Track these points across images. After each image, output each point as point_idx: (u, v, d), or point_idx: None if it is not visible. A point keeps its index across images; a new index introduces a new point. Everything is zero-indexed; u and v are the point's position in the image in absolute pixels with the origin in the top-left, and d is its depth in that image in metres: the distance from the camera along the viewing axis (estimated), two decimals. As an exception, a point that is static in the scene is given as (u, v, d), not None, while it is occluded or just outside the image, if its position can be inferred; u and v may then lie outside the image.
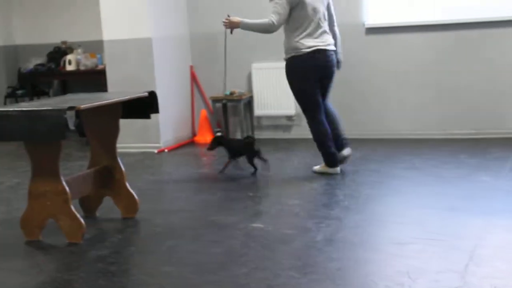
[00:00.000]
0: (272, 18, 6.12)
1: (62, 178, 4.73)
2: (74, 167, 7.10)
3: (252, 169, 6.58)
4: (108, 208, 5.43)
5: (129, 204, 5.32)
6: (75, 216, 4.73)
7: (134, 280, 4.09)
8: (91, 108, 4.82)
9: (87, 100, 5.00)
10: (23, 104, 5.17)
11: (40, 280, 4.14)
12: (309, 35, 6.25)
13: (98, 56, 9.78)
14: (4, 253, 4.77)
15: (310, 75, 6.31)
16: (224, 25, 6.33)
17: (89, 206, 5.38)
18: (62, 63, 10.03)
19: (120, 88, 7.92)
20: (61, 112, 4.48)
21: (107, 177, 5.29)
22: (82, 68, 9.84)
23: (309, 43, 6.24)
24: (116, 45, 8.09)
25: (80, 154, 7.91)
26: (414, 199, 5.46)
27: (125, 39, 8.05)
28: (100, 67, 9.66)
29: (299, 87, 6.38)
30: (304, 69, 6.28)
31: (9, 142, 6.48)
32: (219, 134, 7.08)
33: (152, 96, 5.39)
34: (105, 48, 8.31)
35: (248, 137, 6.91)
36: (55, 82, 10.60)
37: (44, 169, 4.72)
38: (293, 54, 6.27)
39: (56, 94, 10.41)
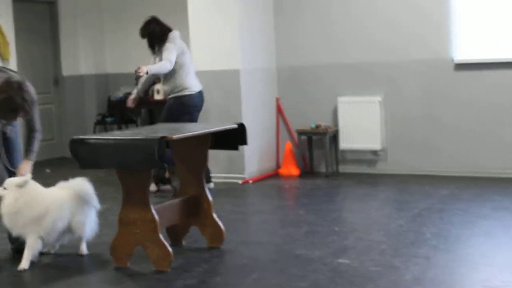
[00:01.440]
0: (170, 60, 7.14)
1: (152, 207, 4.81)
2: (159, 195, 7.21)
3: None
4: (194, 237, 5.49)
5: (215, 234, 5.35)
6: (163, 244, 4.79)
7: (220, 311, 4.10)
8: (181, 138, 4.90)
9: (177, 130, 5.10)
10: (116, 132, 5.30)
11: (129, 306, 4.21)
12: (194, 77, 7.43)
13: (186, 86, 9.95)
14: (94, 278, 4.88)
15: (197, 109, 7.42)
16: (137, 73, 7.03)
17: (176, 234, 5.44)
18: (150, 92, 10.25)
19: (207, 118, 8.03)
20: (154, 141, 4.57)
21: (194, 207, 5.35)
22: (169, 97, 10.02)
23: (197, 83, 7.43)
24: (204, 76, 8.20)
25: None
26: (505, 241, 5.30)
27: (214, 70, 8.18)
28: (187, 97, 9.82)
29: (180, 120, 7.21)
30: (195, 105, 7.36)
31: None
32: None
33: (241, 128, 5.43)
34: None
35: None
36: (143, 111, 10.83)
37: (134, 197, 4.81)
38: (187, 92, 7.30)
39: (144, 123, 10.65)
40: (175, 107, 7.35)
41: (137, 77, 7.33)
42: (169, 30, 7.34)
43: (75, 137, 4.91)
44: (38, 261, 5.12)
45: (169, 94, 7.41)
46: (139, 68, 7.00)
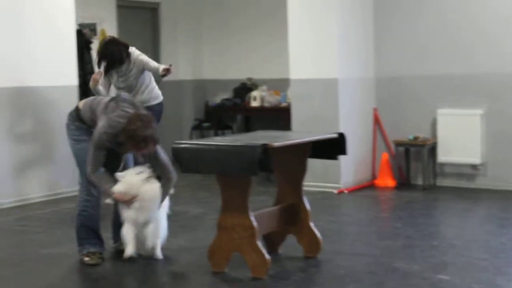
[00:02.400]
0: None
1: (251, 213, 4.83)
2: (255, 202, 7.20)
3: None
4: (290, 245, 5.47)
5: (312, 244, 5.33)
6: (261, 251, 4.80)
7: (318, 322, 4.07)
8: (281, 146, 4.90)
9: (278, 138, 5.10)
10: (216, 138, 5.36)
11: (226, 312, 4.23)
12: None
13: (282, 94, 9.99)
14: (191, 283, 4.93)
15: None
16: (170, 72, 6.97)
17: (272, 242, 5.44)
18: (247, 99, 10.35)
19: (303, 126, 8.03)
20: (255, 148, 4.60)
21: (292, 215, 5.35)
22: (266, 105, 10.10)
23: None
24: (302, 84, 8.22)
25: (261, 189, 8.04)
26: None
27: (312, 79, 8.17)
28: (283, 104, 9.86)
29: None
30: (163, 112, 7.54)
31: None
32: None
33: (341, 137, 5.40)
34: (291, 87, 8.48)
35: None
36: (239, 117, 10.93)
37: (234, 203, 4.84)
38: (160, 99, 7.36)
39: (240, 129, 10.74)
40: (156, 114, 7.23)
41: (164, 76, 7.11)
42: (127, 46, 7.17)
43: (177, 141, 4.99)
44: (135, 264, 5.22)
45: (146, 102, 7.21)
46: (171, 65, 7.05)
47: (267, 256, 4.81)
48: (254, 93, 10.22)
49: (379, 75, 8.64)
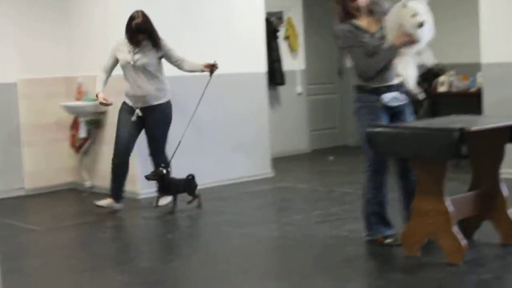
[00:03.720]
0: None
1: (447, 199, 4.76)
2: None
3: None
4: (485, 232, 5.32)
5: (510, 231, 5.15)
6: (457, 237, 4.72)
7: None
8: (478, 131, 4.78)
9: (474, 122, 5.00)
10: (411, 122, 5.30)
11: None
12: None
13: (471, 78, 9.70)
14: (383, 266, 4.95)
15: None
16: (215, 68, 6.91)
17: (467, 228, 5.30)
18: (434, 84, 10.15)
19: (496, 112, 7.72)
20: (452, 132, 4.52)
21: (488, 201, 5.20)
22: (453, 90, 9.86)
23: None
24: (495, 68, 7.92)
25: (450, 175, 7.83)
26: None
27: (506, 62, 7.86)
28: (472, 90, 9.58)
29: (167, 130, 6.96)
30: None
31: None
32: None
33: (543, 123, 5.19)
34: (483, 71, 8.19)
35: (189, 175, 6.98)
36: (425, 102, 10.73)
37: (429, 187, 4.80)
38: (169, 97, 6.92)
39: (426, 114, 10.54)
40: (169, 110, 6.93)
41: (212, 72, 6.94)
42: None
43: (373, 124, 4.99)
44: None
45: (154, 97, 6.76)
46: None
47: (463, 242, 4.73)
48: (442, 78, 10.01)
49: None
